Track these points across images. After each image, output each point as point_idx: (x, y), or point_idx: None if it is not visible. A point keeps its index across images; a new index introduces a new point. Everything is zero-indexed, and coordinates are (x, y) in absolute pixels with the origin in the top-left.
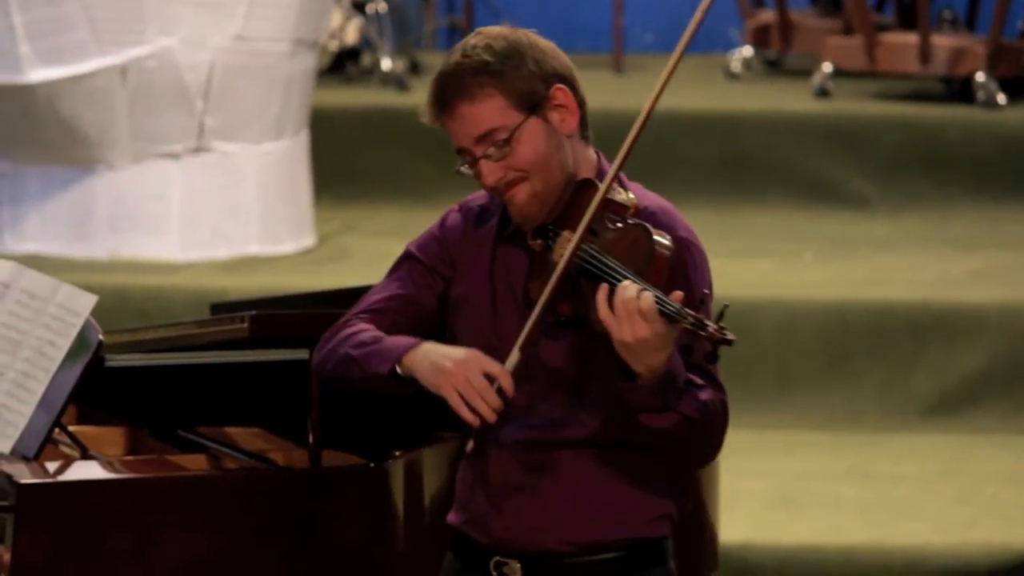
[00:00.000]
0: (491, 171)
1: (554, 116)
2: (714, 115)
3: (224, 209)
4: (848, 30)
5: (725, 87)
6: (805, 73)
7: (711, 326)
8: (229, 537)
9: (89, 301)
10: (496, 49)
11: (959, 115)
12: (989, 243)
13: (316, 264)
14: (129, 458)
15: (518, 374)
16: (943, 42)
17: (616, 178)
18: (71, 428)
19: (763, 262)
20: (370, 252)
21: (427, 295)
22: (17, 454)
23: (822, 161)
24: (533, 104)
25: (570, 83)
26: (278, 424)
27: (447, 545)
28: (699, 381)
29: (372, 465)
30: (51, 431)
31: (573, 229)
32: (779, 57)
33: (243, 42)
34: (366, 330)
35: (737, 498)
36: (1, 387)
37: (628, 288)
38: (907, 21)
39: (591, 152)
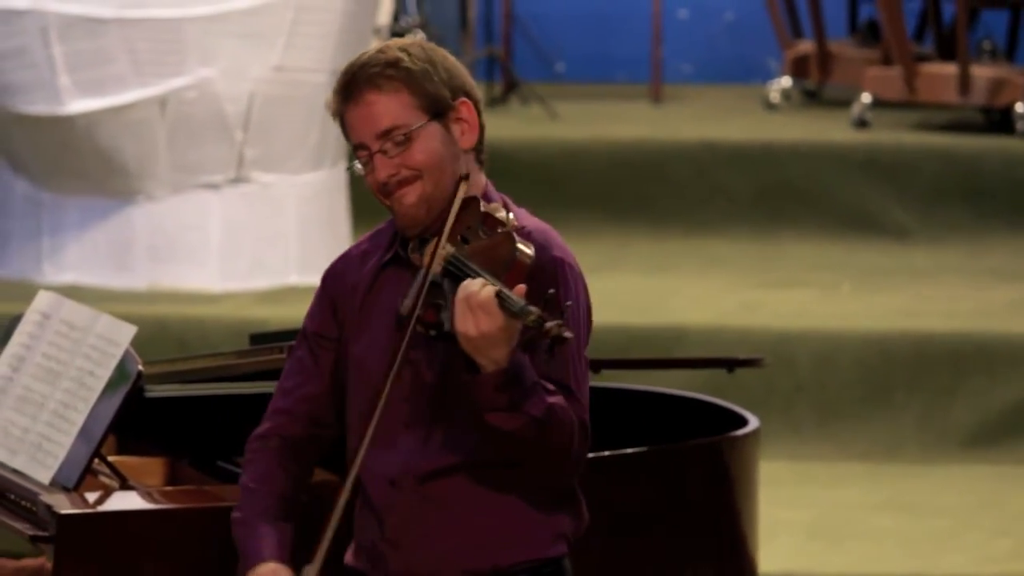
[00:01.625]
0: (385, 166)
1: (455, 128)
2: (753, 146)
3: (263, 239)
4: (887, 60)
5: (764, 118)
6: (844, 104)
7: (551, 322)
8: None
9: (129, 331)
10: (411, 52)
11: (998, 146)
12: None
13: None
14: (168, 489)
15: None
16: (982, 72)
17: (501, 200)
18: (111, 458)
19: (802, 293)
20: None
21: (321, 373)
22: (57, 484)
23: (861, 192)
24: (438, 110)
25: (476, 104)
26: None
27: None
28: (550, 387)
29: None
30: (91, 461)
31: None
32: (818, 88)
33: (283, 73)
34: (256, 493)
35: (777, 529)
36: (41, 417)
37: (472, 283)
38: (946, 52)
39: (482, 177)
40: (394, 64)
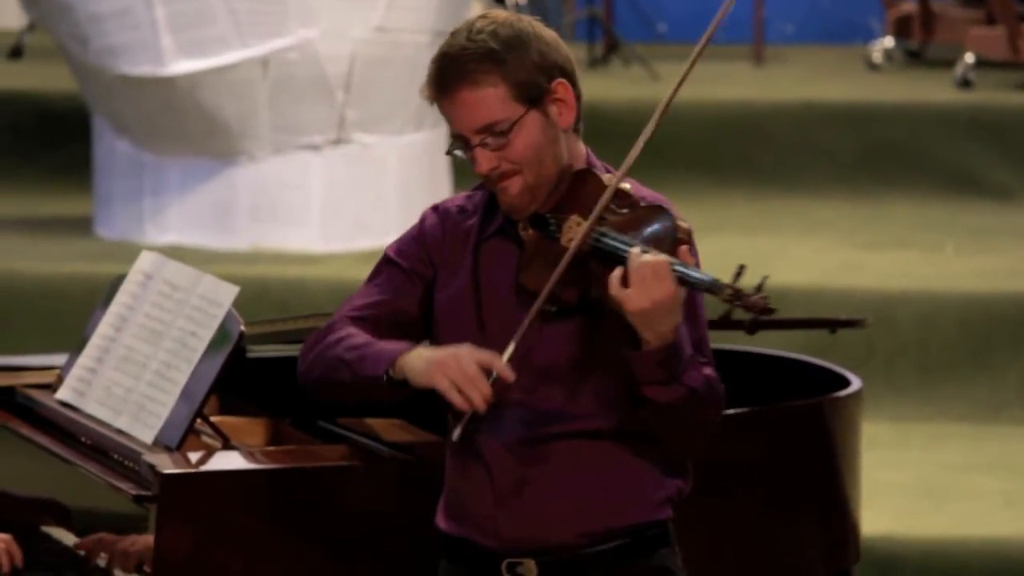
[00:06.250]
0: (486, 159)
1: (552, 109)
2: (855, 106)
3: (364, 200)
4: (991, 20)
5: (866, 78)
6: (947, 64)
7: (752, 294)
8: (370, 526)
9: (231, 292)
10: (502, 37)
11: None
12: None
13: None
14: (270, 448)
15: (516, 365)
16: None
17: (603, 167)
18: (213, 419)
19: (905, 253)
20: None
21: (408, 301)
22: (160, 444)
23: (964, 152)
24: (534, 96)
25: (570, 77)
26: (418, 414)
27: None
28: (702, 358)
29: None
30: (193, 421)
31: (579, 215)
32: (921, 48)
33: (384, 34)
34: (355, 335)
35: (879, 491)
36: (144, 378)
37: (643, 254)
38: None
39: (581, 146)
40: (486, 57)
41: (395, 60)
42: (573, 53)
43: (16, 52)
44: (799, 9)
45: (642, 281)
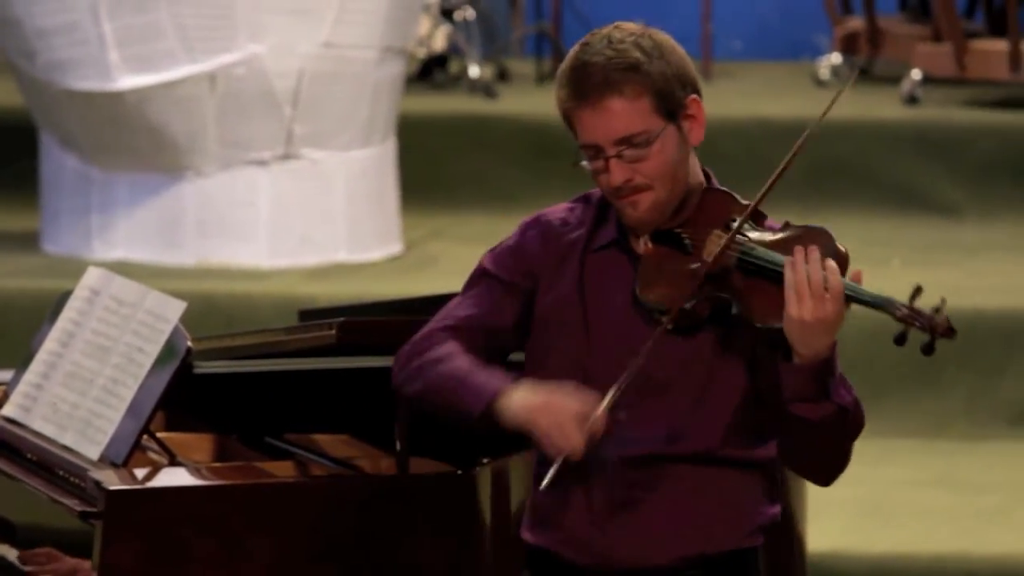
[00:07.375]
0: (621, 172)
1: (685, 125)
2: (803, 122)
3: (312, 216)
4: (937, 37)
5: (814, 94)
6: (894, 80)
7: (933, 315)
8: (316, 544)
9: (178, 308)
10: (644, 47)
11: None
12: None
13: (403, 271)
14: (217, 465)
15: (623, 400)
16: None
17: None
18: (159, 435)
19: (851, 269)
20: (457, 259)
21: (504, 316)
22: (106, 460)
23: (911, 168)
24: (672, 110)
25: (700, 93)
26: (365, 431)
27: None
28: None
29: (459, 472)
30: (139, 438)
31: (707, 231)
32: (868, 64)
33: (332, 49)
34: (456, 355)
35: (825, 506)
36: (90, 393)
37: (812, 267)
38: (997, 28)
39: (699, 164)
40: (635, 67)
41: (343, 75)
42: (521, 69)
43: None
44: (747, 26)
45: (810, 296)
